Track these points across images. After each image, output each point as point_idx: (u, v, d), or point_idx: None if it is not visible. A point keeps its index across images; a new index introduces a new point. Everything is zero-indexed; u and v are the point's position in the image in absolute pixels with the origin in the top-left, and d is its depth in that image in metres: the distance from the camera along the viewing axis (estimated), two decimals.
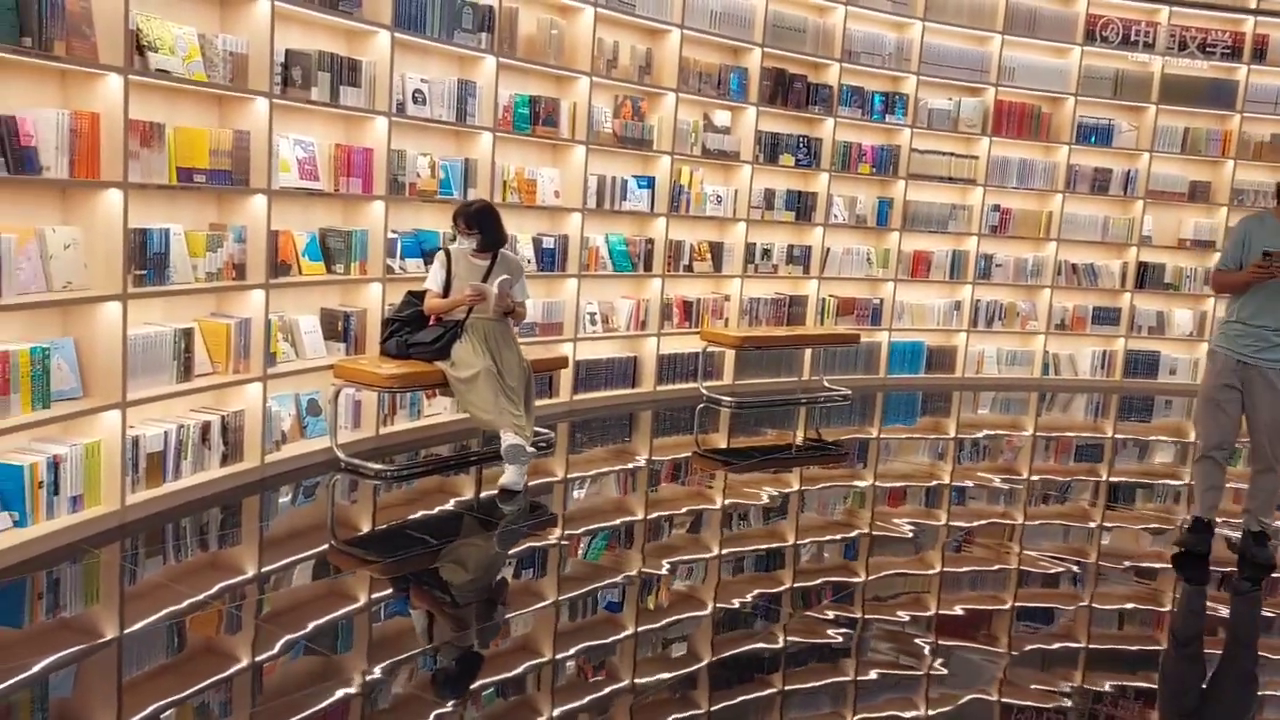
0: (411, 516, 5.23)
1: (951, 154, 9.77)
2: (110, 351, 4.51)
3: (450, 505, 5.48)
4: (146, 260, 4.68)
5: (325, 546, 4.81)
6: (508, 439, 5.42)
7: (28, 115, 4.15)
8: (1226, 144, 10.27)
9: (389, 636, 3.90)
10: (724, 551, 4.96)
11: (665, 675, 3.62)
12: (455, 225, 5.79)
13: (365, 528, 5.16)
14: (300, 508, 5.32)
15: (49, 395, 4.29)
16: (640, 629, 4.03)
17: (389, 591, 4.33)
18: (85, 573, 4.19)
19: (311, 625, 3.80)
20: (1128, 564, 5.14)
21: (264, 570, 4.45)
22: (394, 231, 6.19)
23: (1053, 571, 4.93)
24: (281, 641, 3.67)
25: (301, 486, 5.46)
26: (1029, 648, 4.11)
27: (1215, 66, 10.16)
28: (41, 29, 4.04)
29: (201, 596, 3.97)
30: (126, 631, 3.78)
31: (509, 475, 5.43)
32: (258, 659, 3.58)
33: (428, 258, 6.47)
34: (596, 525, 5.24)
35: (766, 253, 8.91)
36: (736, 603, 4.31)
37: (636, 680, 3.61)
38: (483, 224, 5.75)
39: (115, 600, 4.07)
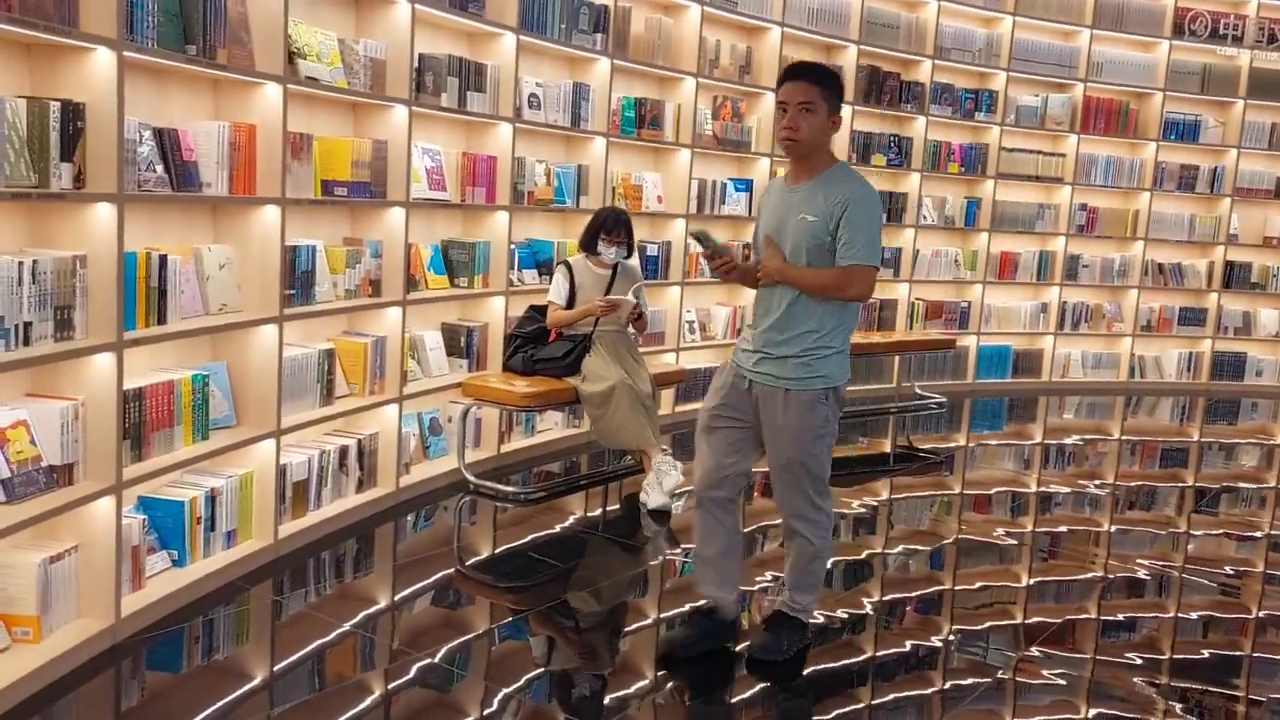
0: (543, 538, 4.96)
1: (1039, 152, 9.53)
2: (263, 376, 4.25)
3: (582, 526, 5.22)
4: (294, 279, 4.43)
5: (453, 571, 4.54)
6: (659, 461, 5.19)
7: (188, 128, 3.89)
8: None
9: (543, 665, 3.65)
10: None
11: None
12: (607, 234, 5.48)
13: (493, 550, 4.88)
14: (439, 533, 5.07)
15: (208, 425, 4.04)
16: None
17: (561, 623, 4.08)
18: (241, 619, 3.93)
19: (479, 660, 3.56)
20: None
21: (435, 629, 4.20)
22: (512, 243, 5.93)
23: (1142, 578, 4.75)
24: (465, 687, 3.43)
25: (435, 511, 5.22)
26: (1116, 657, 4.00)
27: None
28: (205, 36, 3.78)
29: (368, 651, 3.72)
30: (284, 679, 3.52)
31: (659, 497, 5.19)
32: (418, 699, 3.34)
33: (542, 268, 6.22)
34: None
35: None
36: (820, 617, 4.09)
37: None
38: (629, 230, 5.51)
39: (282, 650, 3.81)
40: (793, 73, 3.48)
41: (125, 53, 3.36)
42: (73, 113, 3.25)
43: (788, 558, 3.75)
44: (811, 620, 3.84)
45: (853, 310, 3.59)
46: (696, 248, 3.42)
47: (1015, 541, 5.28)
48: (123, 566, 3.56)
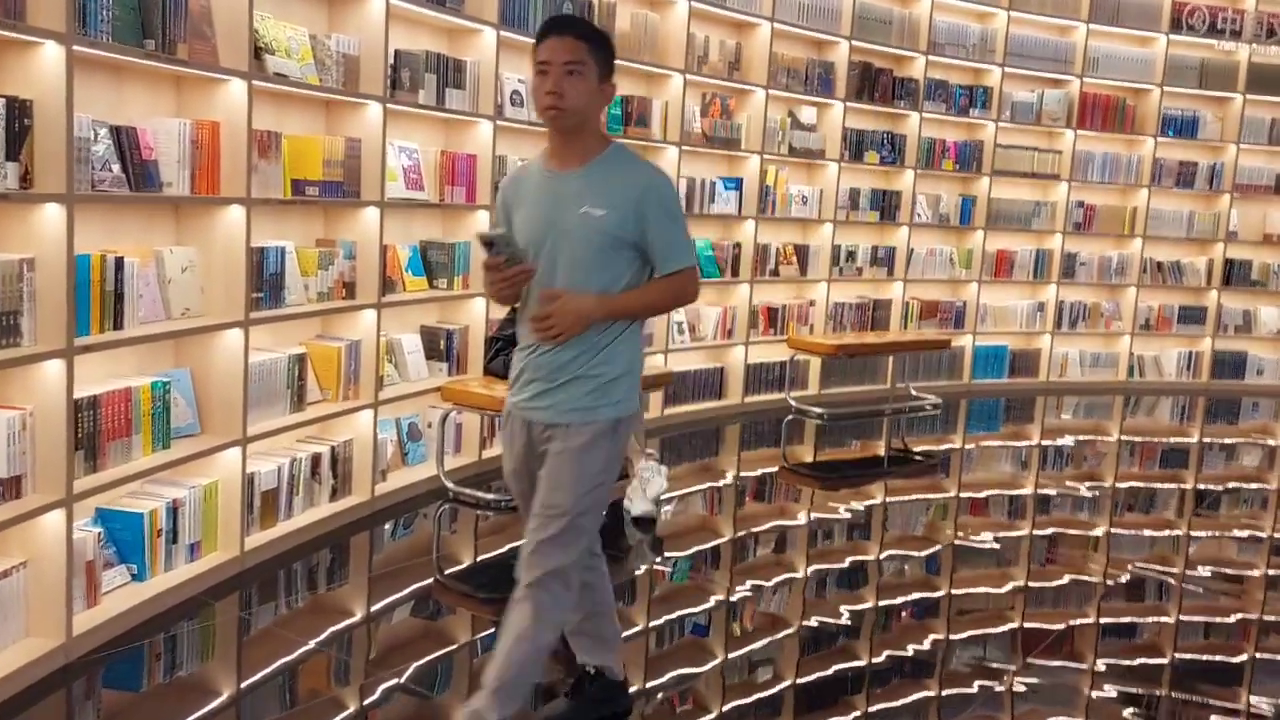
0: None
1: (1035, 149, 9.38)
2: (228, 382, 4.11)
3: None
4: (263, 281, 4.28)
5: (432, 582, 4.40)
6: (643, 467, 5.05)
7: (147, 126, 3.75)
8: None
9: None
10: (812, 570, 4.59)
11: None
12: None
13: (474, 559, 4.74)
14: (417, 543, 4.93)
15: (169, 434, 3.90)
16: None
17: None
18: (205, 635, 3.79)
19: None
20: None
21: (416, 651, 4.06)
22: None
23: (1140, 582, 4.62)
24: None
25: (415, 519, 5.08)
26: (1115, 663, 3.91)
27: None
28: (165, 30, 3.64)
29: (343, 675, 3.58)
30: (250, 698, 3.39)
31: (643, 504, 5.06)
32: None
33: None
34: (702, 547, 4.94)
35: (851, 255, 8.52)
36: (816, 622, 3.96)
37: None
38: None
39: (248, 667, 3.67)
40: (554, 26, 2.77)
41: (76, 47, 3.22)
42: (19, 109, 3.11)
43: (502, 634, 2.86)
44: None
45: (640, 322, 2.96)
46: (482, 254, 2.75)
47: (1012, 546, 5.15)
48: (75, 582, 3.42)
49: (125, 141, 3.61)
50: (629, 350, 2.87)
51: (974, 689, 3.62)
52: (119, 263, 3.58)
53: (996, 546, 5.12)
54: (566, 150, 2.82)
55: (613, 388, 2.81)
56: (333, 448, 4.80)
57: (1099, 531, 5.52)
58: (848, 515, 5.54)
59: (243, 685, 3.51)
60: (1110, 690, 3.70)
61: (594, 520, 2.90)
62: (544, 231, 2.80)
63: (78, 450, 3.44)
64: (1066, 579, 4.75)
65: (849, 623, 4.14)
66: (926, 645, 3.97)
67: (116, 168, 3.58)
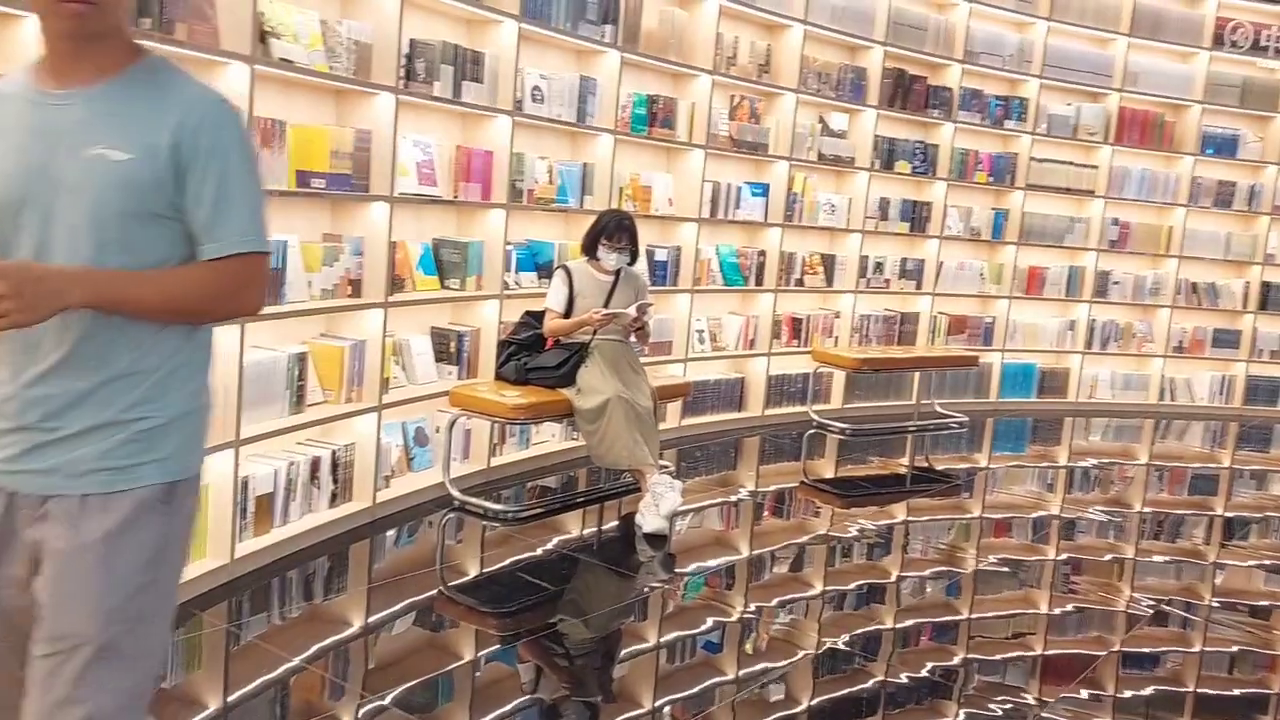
0: (530, 560, 4.60)
1: (1070, 163, 9.13)
2: (223, 382, 3.91)
3: (573, 548, 4.86)
4: None
5: (435, 593, 4.20)
6: (656, 481, 4.84)
7: None
8: None
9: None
10: (829, 589, 4.36)
11: None
12: (608, 239, 5.17)
13: (480, 570, 4.54)
14: (417, 553, 4.73)
15: None
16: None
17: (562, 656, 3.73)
18: (190, 647, 3.60)
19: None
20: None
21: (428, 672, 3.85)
22: (508, 243, 5.58)
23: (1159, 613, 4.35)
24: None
25: (419, 527, 4.88)
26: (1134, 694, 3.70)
27: None
28: (163, 9, 3.46)
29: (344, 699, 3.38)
30: (236, 714, 3.20)
31: (655, 520, 4.85)
32: None
33: (541, 271, 5.88)
34: (714, 564, 4.69)
35: (879, 266, 8.29)
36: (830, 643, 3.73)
37: None
38: (633, 236, 5.18)
39: (235, 681, 3.48)
40: None
41: None
42: None
43: None
44: None
45: (208, 332, 1.96)
46: None
47: (1036, 571, 4.92)
48: None
49: None
50: (192, 377, 1.91)
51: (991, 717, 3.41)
52: None
53: (1019, 571, 4.88)
54: (74, 62, 1.75)
55: (161, 437, 1.83)
56: (333, 451, 4.61)
57: (1123, 558, 5.26)
58: (867, 534, 5.30)
59: (228, 700, 3.31)
60: None
61: (146, 641, 1.81)
62: (27, 186, 1.74)
63: None
64: (1089, 607, 4.51)
65: (865, 645, 3.92)
66: (944, 671, 3.76)
67: None
